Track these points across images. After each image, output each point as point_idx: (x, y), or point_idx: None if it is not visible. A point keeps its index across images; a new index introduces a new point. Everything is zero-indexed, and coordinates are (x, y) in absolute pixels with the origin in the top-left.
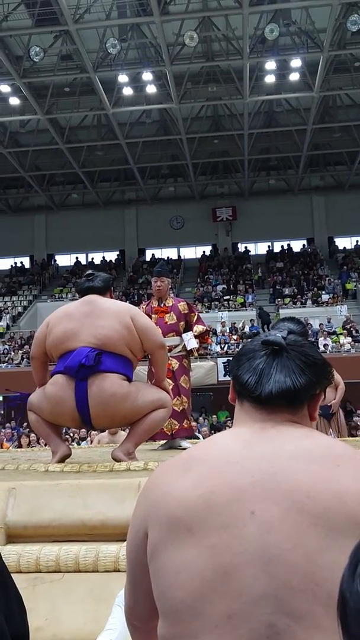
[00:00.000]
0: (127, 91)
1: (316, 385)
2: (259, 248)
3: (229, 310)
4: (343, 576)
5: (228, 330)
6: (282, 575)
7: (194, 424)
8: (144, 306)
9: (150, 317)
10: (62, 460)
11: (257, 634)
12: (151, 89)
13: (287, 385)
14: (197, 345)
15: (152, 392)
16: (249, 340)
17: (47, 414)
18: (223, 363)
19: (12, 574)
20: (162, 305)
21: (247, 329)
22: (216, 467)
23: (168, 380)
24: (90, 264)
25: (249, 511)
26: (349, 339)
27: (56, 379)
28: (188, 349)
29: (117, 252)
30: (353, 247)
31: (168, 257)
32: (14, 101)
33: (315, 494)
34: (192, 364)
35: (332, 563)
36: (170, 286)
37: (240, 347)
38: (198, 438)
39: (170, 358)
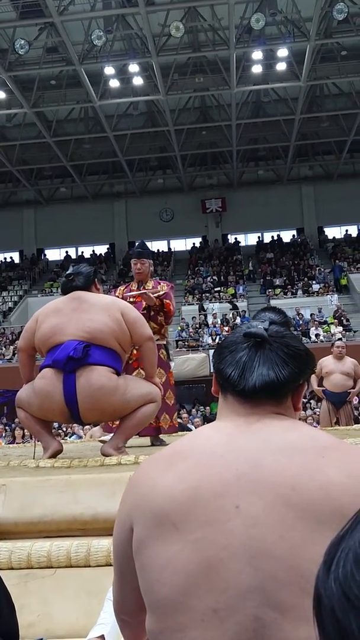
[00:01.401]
0: (114, 83)
1: (299, 376)
2: (249, 239)
3: (220, 302)
4: (318, 573)
5: (219, 322)
6: (268, 568)
7: (185, 415)
8: (122, 288)
9: (125, 300)
10: (53, 456)
11: (243, 627)
12: (138, 81)
13: (270, 378)
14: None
15: (142, 386)
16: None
17: (36, 409)
18: None
19: (3, 571)
20: (140, 289)
21: (238, 320)
22: (201, 461)
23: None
24: (80, 258)
25: (233, 505)
26: (340, 328)
27: (45, 372)
28: (154, 297)
29: (107, 246)
30: (342, 236)
31: (158, 250)
32: (0, 95)
33: (301, 487)
34: (184, 356)
35: (319, 555)
36: (152, 268)
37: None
38: (190, 430)
39: None
